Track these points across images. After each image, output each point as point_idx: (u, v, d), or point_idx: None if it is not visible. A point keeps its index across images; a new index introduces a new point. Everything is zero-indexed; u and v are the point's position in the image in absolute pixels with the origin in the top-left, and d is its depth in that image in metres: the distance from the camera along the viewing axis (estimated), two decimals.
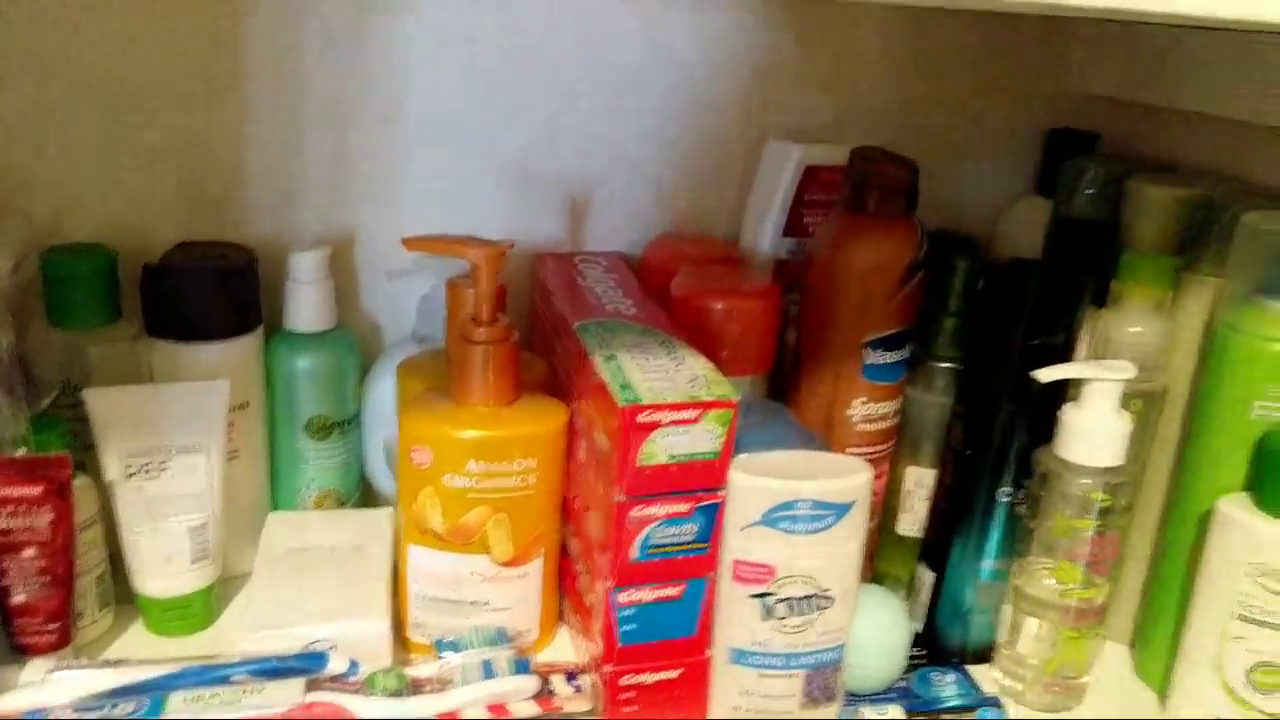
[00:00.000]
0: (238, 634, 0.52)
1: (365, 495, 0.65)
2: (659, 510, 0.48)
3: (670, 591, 0.50)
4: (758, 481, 0.50)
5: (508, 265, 0.66)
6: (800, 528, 0.50)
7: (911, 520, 0.64)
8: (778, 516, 0.50)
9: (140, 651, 0.55)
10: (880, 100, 0.72)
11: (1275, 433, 0.52)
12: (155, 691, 0.47)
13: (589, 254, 0.67)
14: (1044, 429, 0.55)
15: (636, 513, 0.48)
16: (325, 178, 0.63)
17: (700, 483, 0.49)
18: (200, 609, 0.56)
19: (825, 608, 0.51)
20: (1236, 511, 0.52)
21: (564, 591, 0.58)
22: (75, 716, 0.46)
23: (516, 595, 0.55)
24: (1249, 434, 0.53)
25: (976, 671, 0.59)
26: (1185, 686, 0.55)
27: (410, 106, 0.63)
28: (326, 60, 0.61)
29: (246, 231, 0.62)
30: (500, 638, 0.54)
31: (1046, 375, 0.53)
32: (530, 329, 0.66)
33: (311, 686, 0.48)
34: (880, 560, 0.66)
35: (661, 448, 0.48)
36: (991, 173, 0.75)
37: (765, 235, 0.66)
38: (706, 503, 0.49)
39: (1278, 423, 0.52)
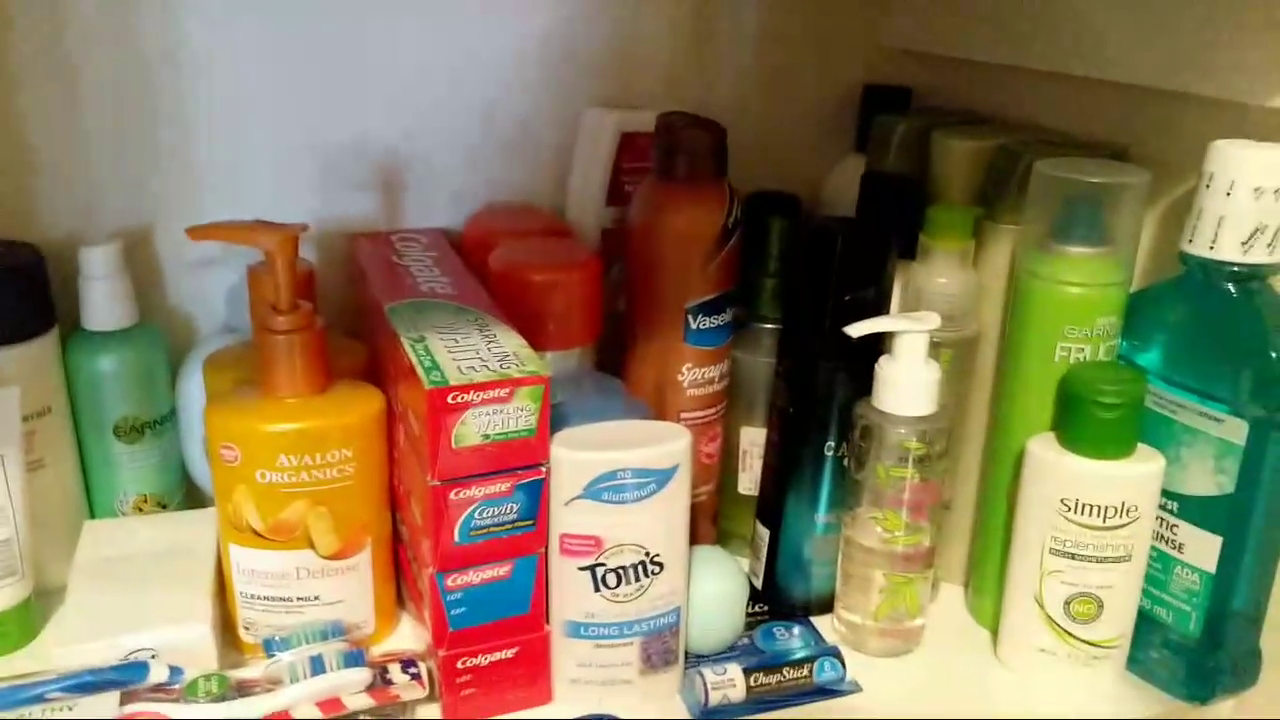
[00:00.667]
0: (53, 654, 0.50)
1: (191, 496, 0.63)
2: (478, 491, 0.48)
3: (498, 571, 0.50)
4: (577, 455, 0.50)
5: (327, 247, 0.65)
6: (623, 497, 0.50)
7: (750, 480, 0.65)
8: (601, 488, 0.50)
9: None
10: (697, 64, 0.72)
11: (1074, 373, 0.54)
12: None
13: (408, 232, 0.66)
14: (865, 382, 0.56)
15: (454, 495, 0.48)
16: (118, 168, 0.60)
17: (519, 460, 0.48)
18: (15, 628, 0.54)
19: (656, 574, 0.52)
20: (1043, 450, 0.55)
21: (402, 579, 0.58)
22: None
23: (347, 588, 0.54)
24: (1053, 375, 0.55)
25: (822, 624, 0.61)
26: (1011, 622, 0.58)
27: (207, 86, 0.61)
28: (105, 38, 0.58)
29: (38, 230, 0.59)
30: (333, 632, 0.53)
31: (856, 330, 0.54)
32: (353, 315, 0.64)
33: (127, 698, 0.47)
34: (724, 520, 0.67)
35: (474, 428, 0.47)
36: (813, 132, 0.76)
37: (587, 205, 0.65)
38: (526, 480, 0.49)
39: (1078, 363, 0.55)
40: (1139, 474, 0.53)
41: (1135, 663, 0.57)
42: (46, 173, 0.59)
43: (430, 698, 0.51)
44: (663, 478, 0.50)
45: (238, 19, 0.60)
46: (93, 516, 0.60)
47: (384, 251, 0.62)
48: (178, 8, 0.59)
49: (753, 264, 0.62)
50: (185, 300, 0.63)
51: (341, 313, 0.65)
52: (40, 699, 0.47)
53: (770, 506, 0.61)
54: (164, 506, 0.61)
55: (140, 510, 0.60)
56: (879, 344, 0.56)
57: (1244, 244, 0.51)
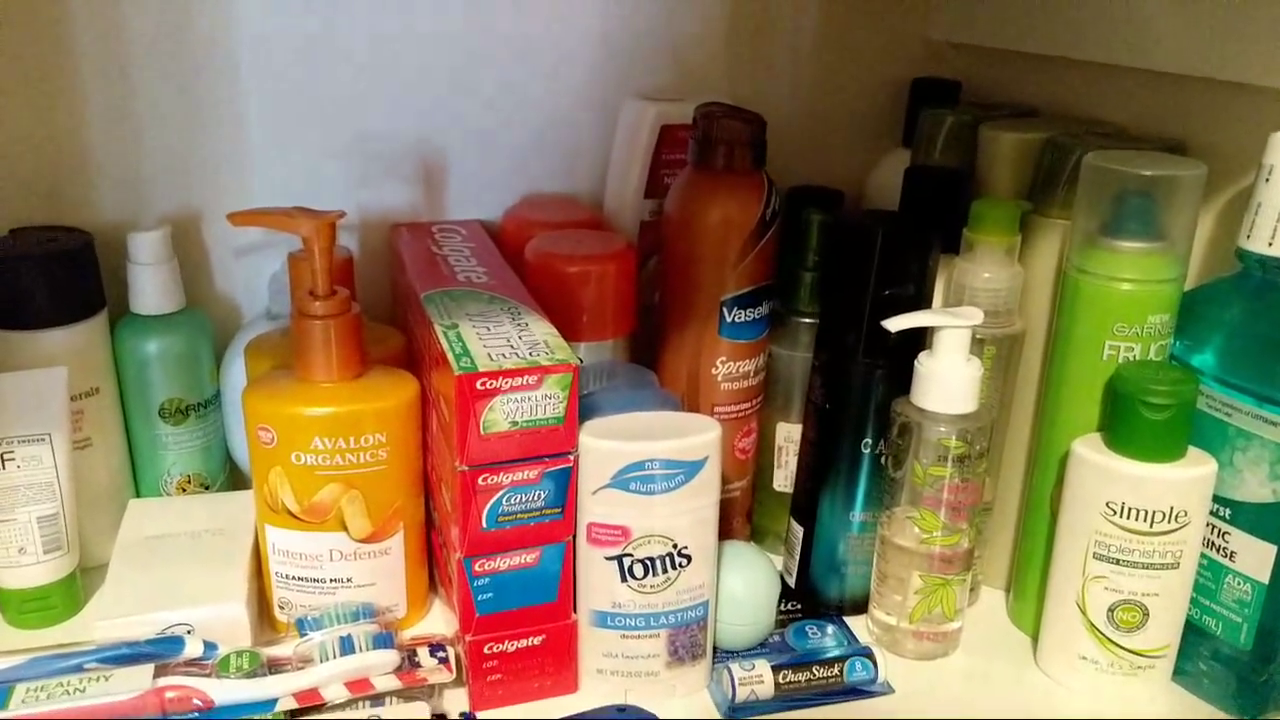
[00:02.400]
0: (93, 627, 0.52)
1: (234, 477, 0.65)
2: (505, 478, 0.48)
3: (525, 558, 0.50)
4: (606, 444, 0.49)
5: (369, 237, 0.66)
6: (652, 488, 0.50)
7: (785, 476, 0.64)
8: (629, 478, 0.49)
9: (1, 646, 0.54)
10: (738, 56, 0.72)
11: (1123, 372, 0.52)
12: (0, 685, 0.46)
13: (447, 223, 0.66)
14: (904, 380, 0.55)
15: (483, 481, 0.48)
16: (170, 156, 0.62)
17: (547, 448, 0.48)
18: (60, 600, 0.55)
19: (684, 566, 0.51)
20: (1089, 452, 0.53)
21: (435, 565, 0.58)
22: None
23: (379, 571, 0.54)
24: (1101, 374, 0.53)
25: (856, 624, 0.60)
26: (1052, 628, 0.56)
27: (257, 76, 0.62)
28: (161, 35, 0.59)
29: (89, 216, 0.61)
30: (364, 613, 0.53)
31: (894, 325, 0.53)
32: (393, 302, 0.65)
33: (160, 671, 0.48)
34: (759, 516, 0.66)
35: (503, 415, 0.47)
36: (860, 127, 0.75)
37: (627, 197, 0.65)
38: (555, 468, 0.49)
39: (1126, 362, 0.53)
40: (1189, 478, 0.51)
41: (1182, 674, 0.55)
42: (99, 160, 0.60)
43: (457, 682, 0.52)
44: (691, 469, 0.50)
45: (289, 7, 0.61)
46: (138, 496, 0.61)
47: (423, 241, 0.62)
48: (235, 5, 0.60)
49: (792, 258, 0.61)
50: (230, 287, 0.65)
51: (381, 301, 0.66)
52: (78, 669, 0.48)
53: (805, 504, 0.60)
54: (206, 488, 0.62)
55: (184, 490, 0.62)
56: (919, 341, 0.55)
57: None
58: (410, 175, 0.66)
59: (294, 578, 0.54)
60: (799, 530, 0.61)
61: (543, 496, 0.49)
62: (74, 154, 0.60)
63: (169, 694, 0.47)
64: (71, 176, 0.60)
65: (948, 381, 0.53)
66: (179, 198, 0.62)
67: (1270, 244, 0.49)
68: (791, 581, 0.62)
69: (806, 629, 0.59)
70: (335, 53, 0.63)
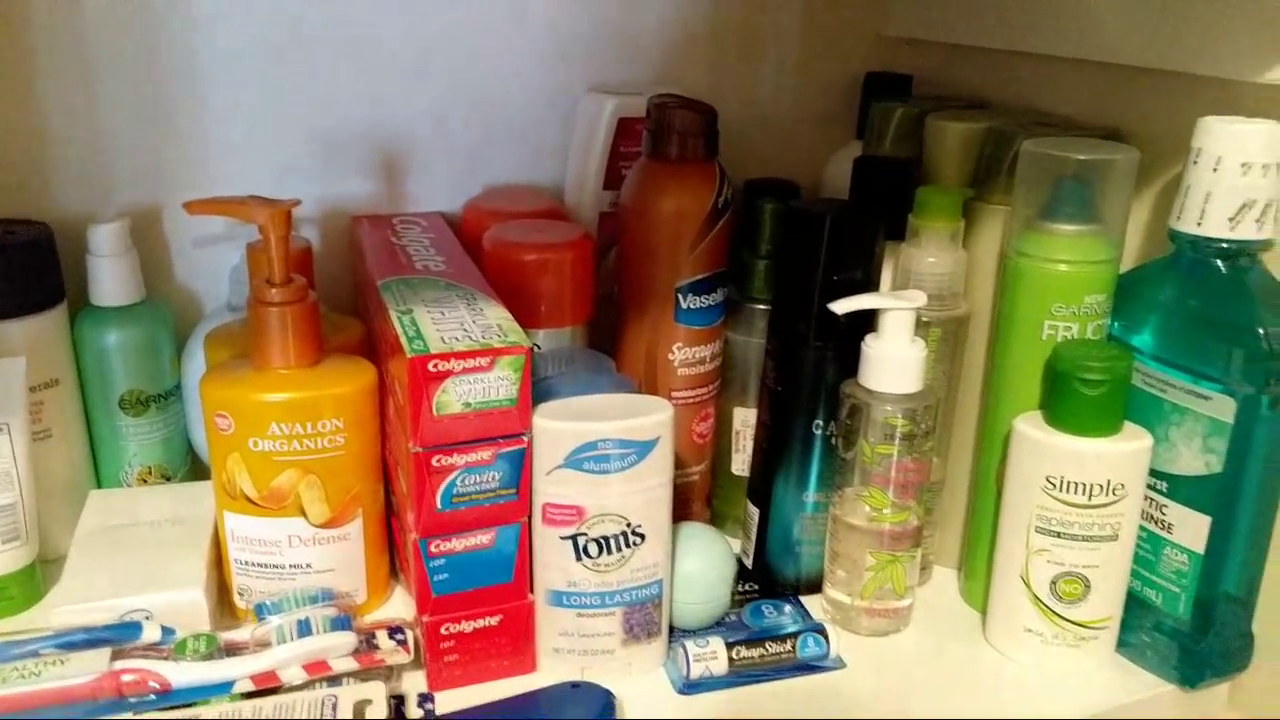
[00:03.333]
0: (51, 613, 0.52)
1: (196, 468, 0.65)
2: (459, 459, 0.49)
3: (481, 539, 0.51)
4: (559, 425, 0.50)
5: (331, 228, 0.67)
6: (605, 467, 0.51)
7: (743, 460, 0.65)
8: (582, 458, 0.50)
9: None
10: (698, 50, 0.73)
11: (1060, 350, 0.54)
12: None
13: (408, 215, 0.67)
14: (853, 363, 0.57)
15: (436, 462, 0.49)
16: (129, 148, 0.62)
17: (500, 429, 0.49)
18: (19, 590, 0.56)
19: (637, 545, 0.52)
20: (1029, 428, 0.55)
21: (395, 551, 0.59)
22: None
23: (338, 557, 0.55)
24: (1041, 354, 0.55)
25: (811, 603, 0.61)
26: (999, 602, 0.58)
27: (216, 69, 0.63)
28: (120, 25, 0.60)
29: (49, 208, 0.61)
30: (323, 598, 0.54)
31: (841, 307, 0.55)
32: (356, 295, 0.66)
33: (119, 655, 0.48)
34: (718, 501, 0.67)
35: (455, 396, 0.48)
36: (816, 121, 0.77)
37: (586, 188, 0.66)
38: (508, 449, 0.50)
39: (1064, 341, 0.55)
40: (1125, 451, 0.53)
41: (1125, 645, 0.57)
42: (58, 153, 0.61)
43: (415, 664, 0.52)
44: (644, 449, 0.51)
45: (248, 3, 0.62)
46: (99, 487, 0.62)
47: (383, 232, 0.63)
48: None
49: (746, 246, 0.62)
50: (190, 279, 0.65)
51: (342, 293, 0.66)
52: (34, 654, 0.48)
53: (760, 486, 0.61)
54: (168, 478, 0.63)
55: (144, 481, 0.62)
56: (868, 324, 0.56)
57: (1231, 220, 0.50)
58: (371, 168, 0.67)
59: (253, 564, 0.54)
60: (754, 511, 0.62)
61: (497, 478, 0.50)
62: (32, 147, 0.60)
63: (126, 677, 0.47)
64: (30, 169, 0.61)
65: (893, 362, 0.55)
66: (139, 190, 0.63)
67: (1199, 224, 0.51)
68: (749, 562, 0.63)
69: (763, 608, 0.60)
70: (296, 44, 0.64)
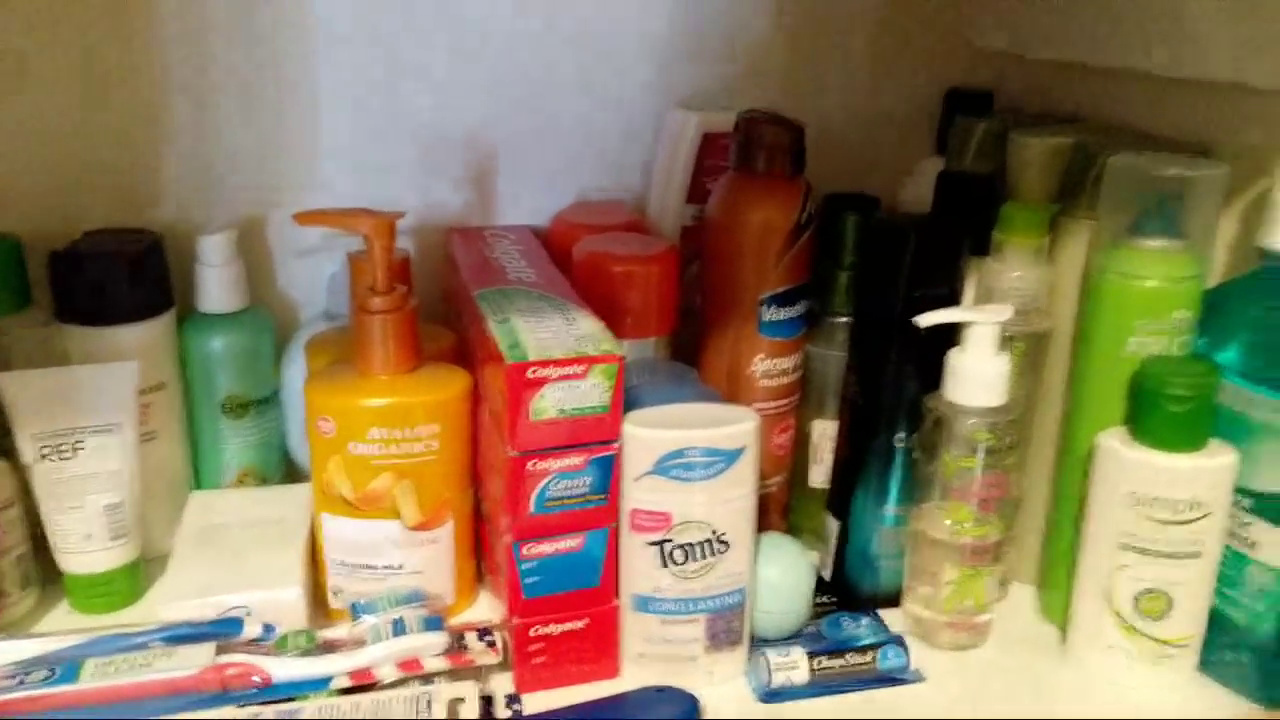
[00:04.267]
0: (157, 609, 0.54)
1: (290, 472, 0.67)
2: (553, 464, 0.50)
3: (570, 543, 0.52)
4: (648, 432, 0.52)
5: (423, 240, 0.69)
6: (692, 475, 0.52)
7: (822, 473, 0.66)
8: (670, 465, 0.52)
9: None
10: (780, 66, 0.74)
11: (1146, 366, 0.54)
12: (70, 659, 0.49)
13: (498, 228, 0.69)
14: (935, 377, 0.57)
15: (531, 466, 0.50)
16: (236, 161, 0.65)
17: (592, 436, 0.51)
18: (123, 586, 0.58)
19: (722, 552, 0.53)
20: (1114, 444, 0.55)
21: (481, 554, 0.60)
22: None
23: (429, 559, 0.56)
24: (1125, 370, 0.55)
25: (890, 616, 0.62)
26: (1080, 619, 0.58)
27: (319, 91, 0.65)
28: (233, 41, 0.63)
29: (155, 218, 0.64)
30: (414, 598, 0.55)
31: (926, 320, 0.55)
32: (445, 304, 0.68)
33: (222, 650, 0.50)
34: (795, 514, 0.68)
35: (551, 402, 0.49)
36: (896, 136, 0.78)
37: (669, 202, 0.68)
38: (599, 455, 0.51)
39: (1149, 357, 0.55)
40: (1210, 468, 0.53)
41: (1207, 664, 0.56)
42: (170, 166, 0.64)
43: (503, 665, 0.54)
44: (730, 457, 0.52)
45: (362, 13, 0.65)
46: (198, 488, 0.64)
47: (475, 244, 0.65)
48: (303, 8, 0.64)
49: (828, 260, 0.63)
50: (289, 287, 0.68)
51: (434, 302, 0.69)
52: (143, 647, 0.50)
53: (839, 498, 0.62)
54: (264, 481, 0.65)
55: (242, 483, 0.64)
56: (951, 339, 0.57)
57: None
58: (464, 183, 0.70)
59: (348, 564, 0.56)
60: (834, 524, 0.62)
61: (588, 483, 0.51)
62: (146, 159, 0.63)
63: (230, 670, 0.49)
64: (143, 181, 0.63)
65: (977, 375, 0.55)
66: (244, 201, 0.66)
67: None
68: (827, 575, 0.63)
69: (841, 620, 0.61)
70: (394, 64, 0.66)
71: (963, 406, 0.55)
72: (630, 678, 0.55)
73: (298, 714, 0.47)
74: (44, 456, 0.54)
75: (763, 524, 0.64)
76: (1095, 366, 0.56)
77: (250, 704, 0.48)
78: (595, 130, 0.72)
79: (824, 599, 0.62)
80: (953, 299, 0.58)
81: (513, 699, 0.53)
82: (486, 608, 0.60)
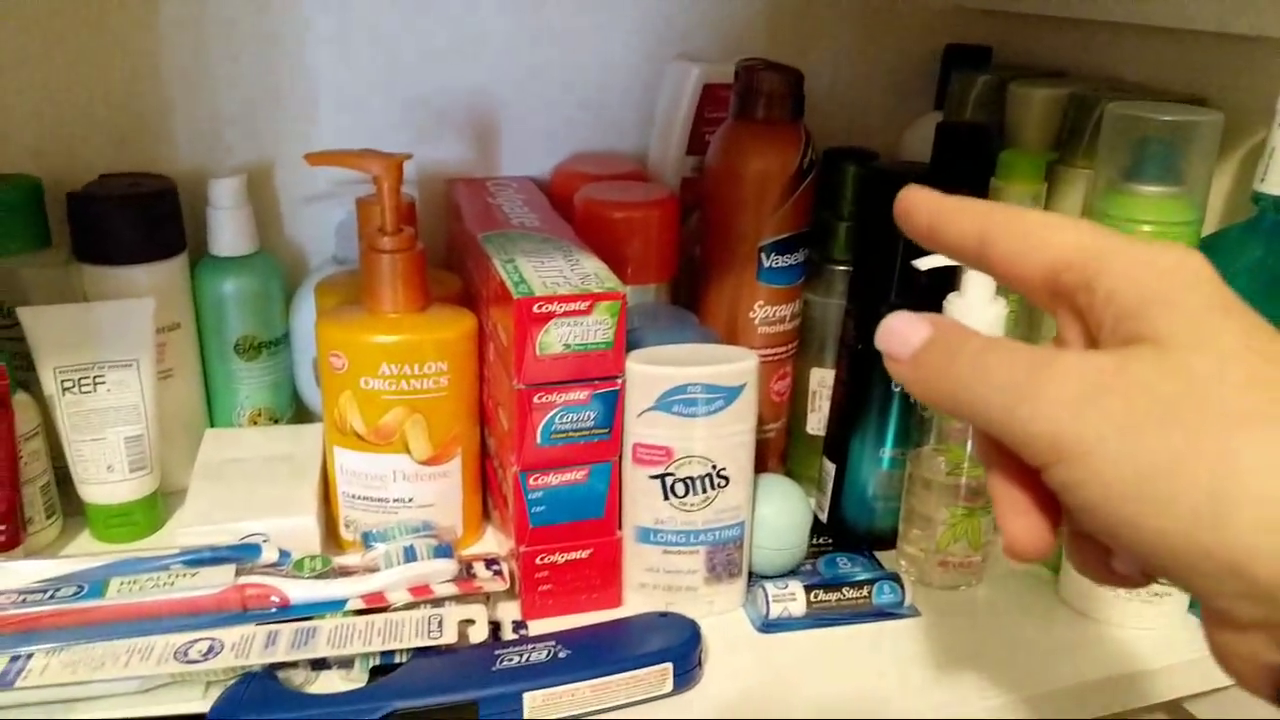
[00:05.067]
0: (176, 534, 0.56)
1: (298, 414, 0.69)
2: (558, 398, 0.52)
3: (575, 475, 0.54)
4: (651, 368, 0.53)
5: (426, 191, 0.70)
6: (693, 410, 0.53)
7: (818, 420, 0.68)
8: (671, 400, 0.53)
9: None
10: (781, 22, 0.75)
11: None
12: (96, 578, 0.51)
13: (501, 178, 0.70)
14: None
15: (538, 399, 0.52)
16: (243, 109, 0.66)
17: (596, 371, 0.52)
18: (142, 517, 0.60)
19: (722, 487, 0.55)
20: None
21: (488, 491, 0.62)
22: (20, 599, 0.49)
23: (438, 493, 0.58)
24: None
25: (885, 557, 0.63)
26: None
27: (321, 40, 0.66)
28: None
29: (167, 162, 0.65)
30: (425, 529, 0.57)
31: (925, 263, 0.56)
32: (448, 252, 0.69)
33: (241, 572, 0.52)
34: (792, 461, 0.69)
35: (556, 337, 0.51)
36: (895, 91, 0.78)
37: (669, 153, 0.69)
38: (603, 390, 0.52)
39: None
40: None
41: (1195, 608, 0.58)
42: (180, 111, 0.65)
43: (510, 594, 0.56)
44: (730, 395, 0.53)
45: None
46: (212, 426, 0.66)
47: (479, 193, 0.67)
48: None
49: (827, 209, 0.64)
50: (298, 233, 0.69)
51: (436, 251, 0.70)
52: (165, 568, 0.52)
53: (836, 442, 0.63)
54: (275, 421, 0.67)
55: (254, 423, 0.66)
56: (949, 285, 0.58)
57: None
58: (466, 134, 0.71)
59: (359, 497, 0.58)
60: (831, 467, 0.64)
61: (592, 417, 0.53)
62: (156, 106, 0.64)
63: (249, 591, 0.51)
64: (154, 127, 0.65)
65: (974, 320, 0.56)
66: (251, 148, 0.67)
67: None
68: (824, 517, 0.65)
69: (837, 560, 0.62)
70: (397, 13, 0.67)
71: None
72: (632, 607, 0.56)
73: (314, 632, 0.49)
74: (65, 390, 0.56)
75: (761, 469, 0.65)
76: None
77: (268, 623, 0.50)
78: (591, 85, 0.73)
79: (820, 541, 0.64)
80: None
81: (519, 625, 0.54)
82: (493, 543, 0.62)
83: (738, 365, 0.54)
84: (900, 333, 0.33)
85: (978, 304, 0.56)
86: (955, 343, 0.31)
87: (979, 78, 0.67)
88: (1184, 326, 0.27)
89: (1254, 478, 0.25)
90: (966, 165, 0.62)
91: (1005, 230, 0.31)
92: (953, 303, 0.57)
